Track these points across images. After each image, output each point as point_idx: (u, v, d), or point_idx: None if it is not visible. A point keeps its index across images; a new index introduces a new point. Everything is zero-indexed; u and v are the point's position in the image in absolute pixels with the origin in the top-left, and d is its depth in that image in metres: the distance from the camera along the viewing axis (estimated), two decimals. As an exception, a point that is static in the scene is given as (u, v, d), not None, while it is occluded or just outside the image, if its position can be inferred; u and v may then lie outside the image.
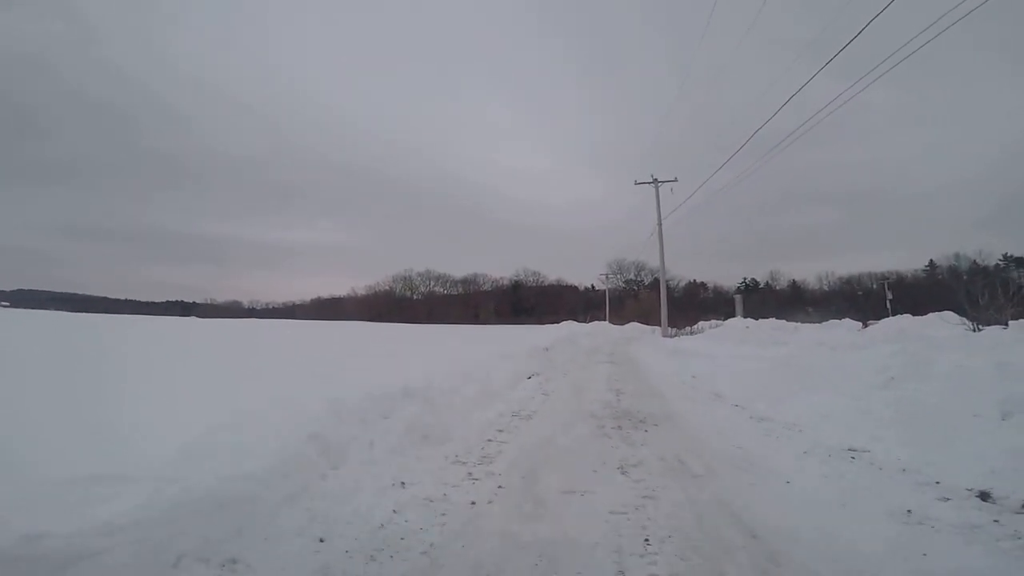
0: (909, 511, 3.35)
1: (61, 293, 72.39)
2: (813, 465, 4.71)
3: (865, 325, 22.47)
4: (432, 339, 16.50)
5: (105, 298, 78.60)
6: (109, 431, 3.36)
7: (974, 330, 11.30)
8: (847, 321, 23.35)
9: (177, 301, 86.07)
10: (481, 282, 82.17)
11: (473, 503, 3.65)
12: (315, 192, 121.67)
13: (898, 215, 77.49)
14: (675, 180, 24.62)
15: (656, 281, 73.46)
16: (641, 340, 24.50)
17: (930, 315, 18.64)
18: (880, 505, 3.50)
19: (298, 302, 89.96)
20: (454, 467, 4.31)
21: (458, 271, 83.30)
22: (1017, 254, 57.82)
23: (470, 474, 4.20)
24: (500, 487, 3.96)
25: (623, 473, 4.39)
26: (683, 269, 73.25)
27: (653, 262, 65.11)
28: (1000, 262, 59.53)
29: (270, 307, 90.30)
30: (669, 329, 23.88)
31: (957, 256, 58.98)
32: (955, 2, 8.41)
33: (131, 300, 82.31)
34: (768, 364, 10.65)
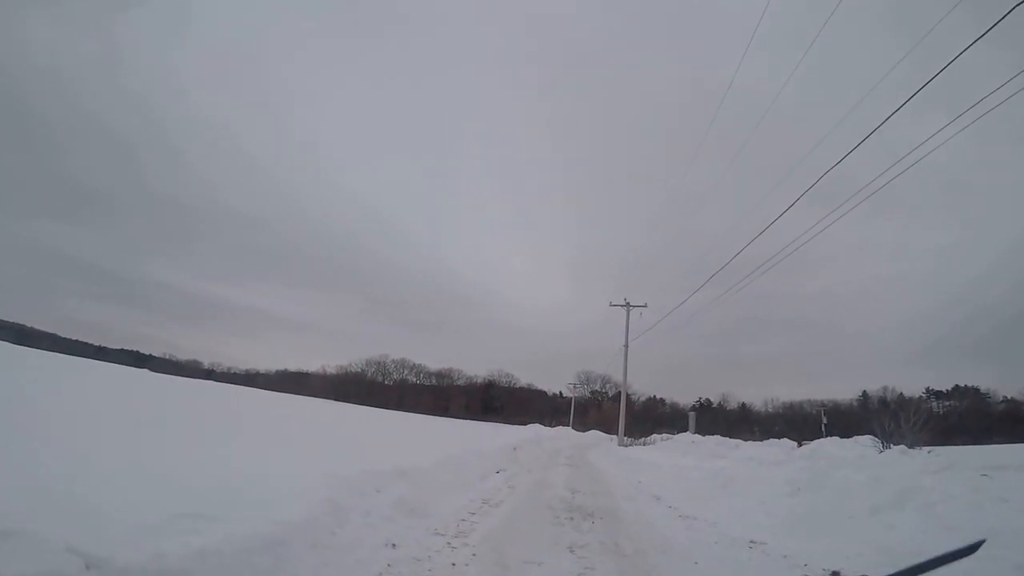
0: (777, 583, 4.23)
1: (9, 322, 61.27)
2: (719, 551, 5.56)
3: (799, 444, 23.61)
4: (408, 427, 16.84)
5: (54, 334, 68.56)
6: (169, 477, 4.09)
7: (880, 451, 12.42)
8: (784, 441, 24.52)
9: (132, 350, 75.93)
10: (455, 377, 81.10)
11: (453, 564, 4.36)
12: (295, 260, 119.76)
13: (839, 348, 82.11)
14: (644, 306, 26.72)
15: (619, 393, 75.10)
16: (599, 447, 24.88)
17: (852, 438, 19.99)
18: (758, 579, 4.37)
19: (261, 371, 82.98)
20: (436, 537, 5.01)
21: (434, 363, 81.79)
22: (937, 388, 61.82)
23: (449, 543, 4.90)
24: (474, 554, 4.67)
25: (571, 551, 5.14)
26: (644, 384, 74.45)
27: (617, 376, 66.34)
28: (923, 394, 63.31)
29: (231, 371, 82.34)
30: (625, 439, 24.45)
31: (885, 388, 62.62)
32: (910, 148, 9.01)
33: (82, 341, 71.05)
34: (704, 474, 11.50)
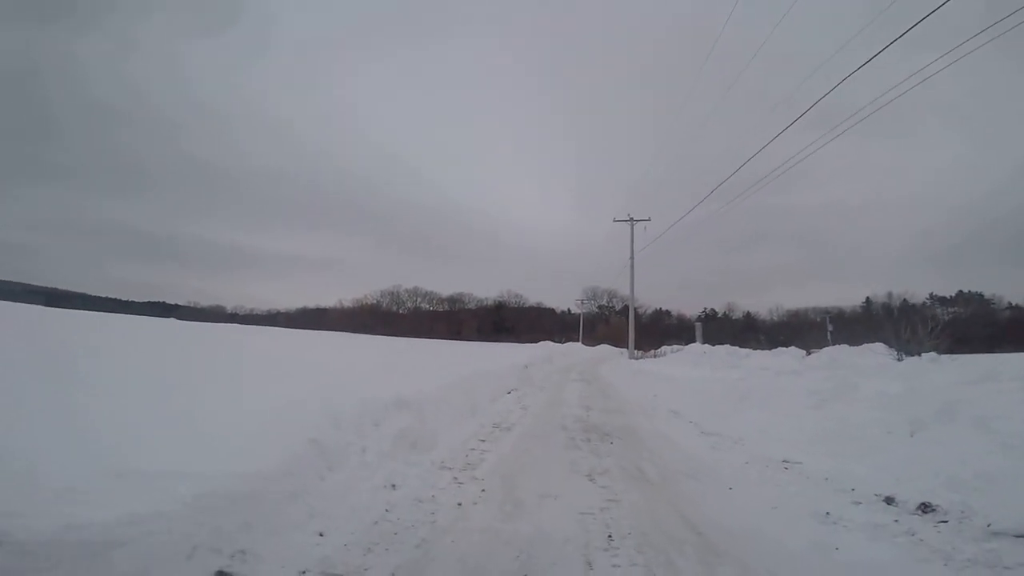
0: (828, 513, 3.65)
1: (38, 286, 65.47)
2: (752, 474, 5.03)
3: (808, 353, 23.27)
4: (419, 352, 16.60)
5: (84, 294, 71.40)
6: (124, 432, 3.47)
7: (897, 359, 11.89)
8: (793, 349, 24.11)
9: (159, 302, 79.02)
10: (466, 300, 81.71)
11: (459, 504, 3.83)
12: (312, 203, 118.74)
13: (841, 256, 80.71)
14: (648, 220, 25.68)
15: (626, 307, 75.23)
16: (610, 361, 24.84)
17: (863, 346, 19.58)
18: (805, 508, 3.80)
19: (282, 310, 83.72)
20: (441, 472, 4.50)
21: (445, 289, 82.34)
22: (940, 293, 61.10)
23: (456, 479, 4.38)
24: (483, 491, 4.15)
25: (590, 479, 4.63)
26: (650, 297, 74.23)
27: (624, 290, 66.18)
28: (927, 300, 62.61)
29: (254, 313, 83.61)
30: (635, 352, 24.31)
31: (890, 295, 61.73)
32: (908, 74, 9.34)
33: (111, 298, 73.72)
34: (720, 386, 11.04)
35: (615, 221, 26.72)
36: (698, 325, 48.24)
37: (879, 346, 18.46)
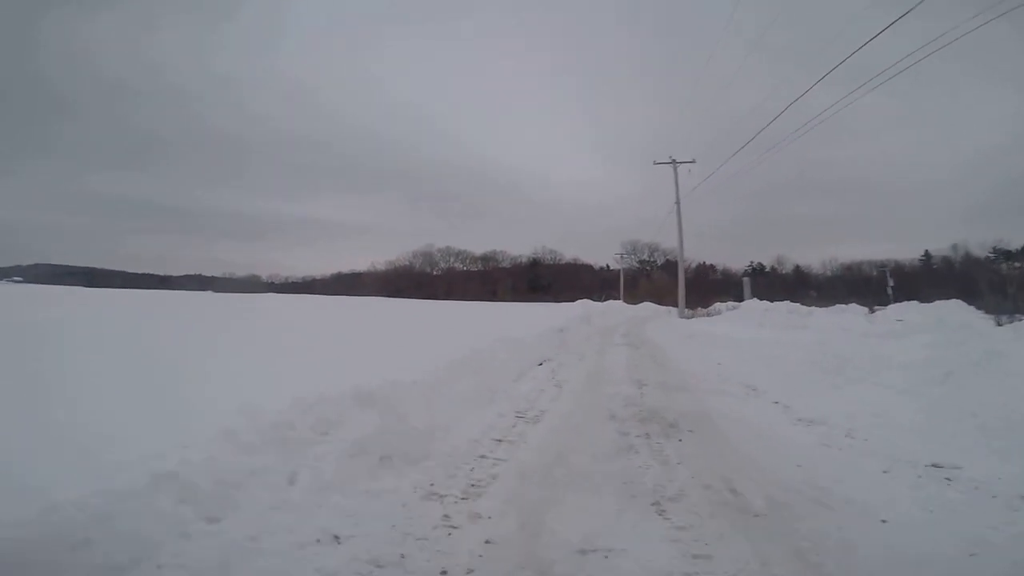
0: None
1: (77, 267, 69.28)
2: (903, 492, 3.22)
3: (872, 311, 20.74)
4: (443, 317, 15.19)
5: (123, 272, 74.69)
6: None
7: (999, 323, 9.53)
8: (853, 306, 21.65)
9: (196, 275, 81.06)
10: (500, 259, 79.50)
11: (444, 574, 2.23)
12: (340, 168, 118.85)
13: (892, 207, 73.99)
14: (693, 161, 22.98)
15: (668, 262, 71.18)
16: (656, 321, 22.76)
17: (937, 303, 16.93)
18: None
19: (318, 277, 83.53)
20: (424, 504, 2.87)
21: (478, 248, 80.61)
22: (1005, 247, 55.02)
23: (446, 516, 2.75)
24: (488, 542, 2.52)
25: (660, 513, 2.93)
26: (693, 251, 70.28)
27: (667, 243, 62.80)
28: (991, 254, 57.02)
29: (289, 281, 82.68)
30: (686, 310, 22.09)
31: (955, 247, 55.97)
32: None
33: (148, 274, 74.86)
34: (796, 351, 9.02)
35: (656, 164, 24.08)
36: (746, 280, 45.07)
37: (958, 304, 16.12)
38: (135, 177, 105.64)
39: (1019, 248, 55.89)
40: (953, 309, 16.67)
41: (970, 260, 56.48)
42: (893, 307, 17.60)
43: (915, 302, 18.02)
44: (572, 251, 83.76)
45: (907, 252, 61.43)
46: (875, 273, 58.87)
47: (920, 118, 76.25)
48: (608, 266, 76.07)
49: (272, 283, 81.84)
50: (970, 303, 14.43)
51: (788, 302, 22.53)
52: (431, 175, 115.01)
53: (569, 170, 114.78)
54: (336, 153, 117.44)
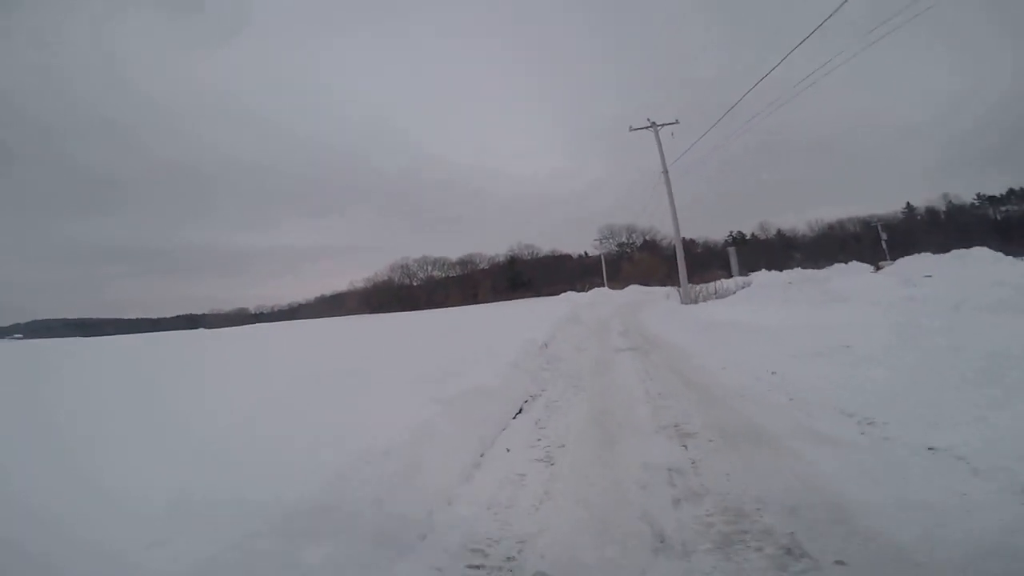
0: None
1: (70, 319, 68.58)
2: None
3: (877, 268, 18.64)
4: (384, 341, 12.34)
5: (116, 319, 74.23)
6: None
7: None
8: (855, 264, 19.53)
9: (186, 314, 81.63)
10: (478, 261, 77.71)
11: None
12: (308, 193, 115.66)
13: (865, 165, 73.48)
14: (675, 122, 19.65)
15: (647, 242, 69.52)
16: (652, 307, 20.04)
17: (956, 251, 14.82)
18: None
19: (303, 302, 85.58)
20: None
21: (454, 253, 79.36)
22: (989, 192, 54.65)
23: None
24: None
25: None
26: (670, 226, 68.14)
27: (644, 223, 61.05)
28: (975, 201, 56.31)
29: (276, 309, 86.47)
30: (691, 291, 19.19)
31: (945, 195, 55.18)
32: None
33: (141, 319, 78.26)
34: (873, 342, 6.32)
35: (632, 130, 20.50)
36: (731, 250, 42.98)
37: (984, 251, 13.94)
38: (102, 222, 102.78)
39: (1004, 192, 55.64)
40: (982, 257, 14.40)
41: (955, 208, 55.94)
42: (904, 261, 15.32)
43: (925, 254, 15.85)
44: (549, 244, 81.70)
45: (887, 207, 60.49)
46: (858, 230, 57.47)
47: (889, 71, 75.97)
48: (587, 253, 74.07)
49: (259, 314, 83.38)
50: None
51: (799, 270, 20.26)
52: (398, 190, 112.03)
53: (537, 165, 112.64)
54: (298, 177, 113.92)
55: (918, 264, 13.99)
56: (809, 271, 18.40)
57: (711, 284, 19.72)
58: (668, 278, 46.42)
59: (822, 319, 9.10)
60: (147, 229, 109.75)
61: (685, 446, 3.93)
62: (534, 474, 3.62)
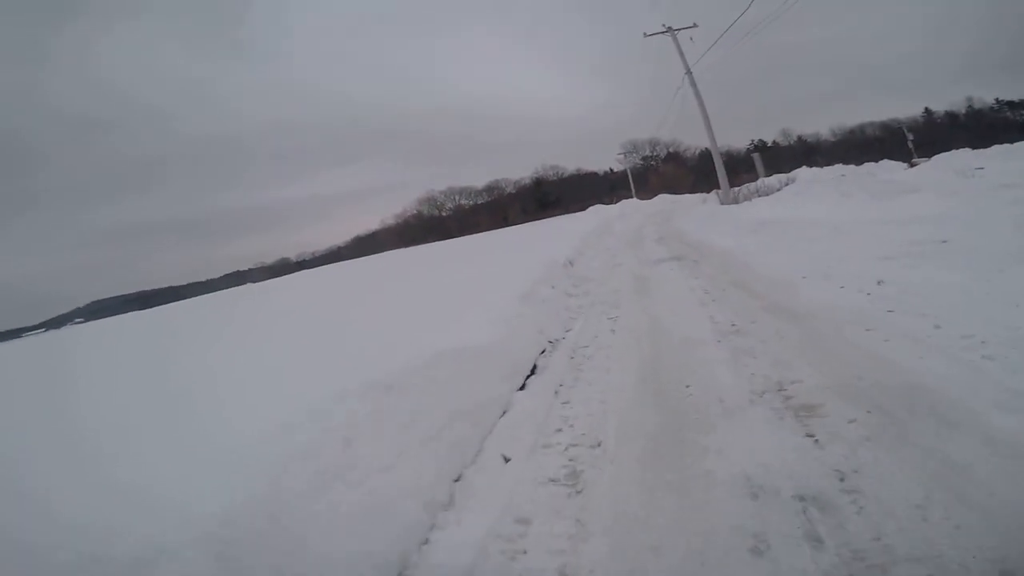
0: None
1: (129, 294, 72.08)
2: None
3: (911, 164, 16.76)
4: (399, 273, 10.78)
5: (169, 287, 77.79)
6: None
7: None
8: (886, 163, 17.60)
9: (233, 272, 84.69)
10: (504, 186, 74.68)
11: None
12: (335, 143, 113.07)
13: (882, 71, 65.88)
14: (694, 26, 16.79)
15: (672, 155, 64.69)
16: (687, 212, 17.53)
17: (999, 146, 13.48)
18: None
19: (341, 244, 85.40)
20: None
21: (480, 181, 76.32)
22: (1008, 97, 49.13)
23: None
24: None
25: None
26: (694, 137, 63.67)
27: (666, 136, 57.38)
28: (994, 105, 52.39)
29: (316, 255, 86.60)
30: (730, 191, 16.57)
31: (970, 99, 51.41)
32: None
33: (194, 283, 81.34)
34: (991, 231, 4.29)
35: (646, 36, 17.63)
36: (756, 156, 39.57)
37: None
38: (144, 202, 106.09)
39: (1021, 98, 50.33)
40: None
41: (975, 112, 51.72)
42: (944, 156, 12.75)
43: (964, 150, 14.00)
44: (575, 163, 77.23)
45: (906, 111, 55.32)
46: (879, 133, 52.80)
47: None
48: (612, 169, 69.98)
49: (301, 261, 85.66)
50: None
51: (839, 165, 17.81)
52: (422, 128, 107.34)
53: (556, 86, 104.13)
54: (326, 128, 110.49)
55: (960, 159, 11.81)
56: (850, 166, 15.76)
57: (751, 184, 16.96)
58: (696, 187, 42.96)
59: (894, 212, 6.97)
60: (187, 200, 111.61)
61: (814, 437, 2.18)
62: (546, 517, 1.97)
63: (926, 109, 55.08)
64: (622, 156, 64.74)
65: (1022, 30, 61.46)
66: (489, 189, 75.05)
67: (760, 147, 61.45)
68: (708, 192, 26.33)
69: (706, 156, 62.62)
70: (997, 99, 52.40)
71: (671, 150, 65.13)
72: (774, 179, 16.22)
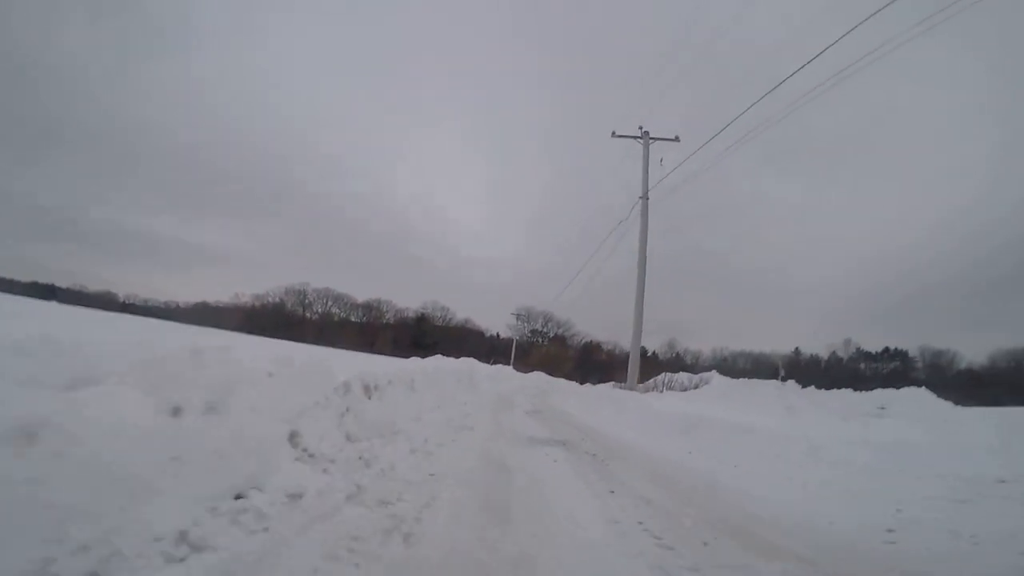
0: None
1: None
2: None
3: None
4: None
5: None
6: None
7: None
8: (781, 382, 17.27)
9: (44, 283, 64.17)
10: (385, 309, 69.37)
11: None
12: (213, 186, 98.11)
13: (769, 305, 77.48)
14: (675, 139, 14.27)
15: (560, 337, 66.63)
16: (568, 394, 14.91)
17: (906, 390, 13.54)
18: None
19: (181, 303, 70.41)
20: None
21: (361, 295, 68.74)
22: (867, 349, 60.83)
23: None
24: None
25: None
26: (585, 324, 66.17)
27: (559, 316, 59.03)
28: (854, 353, 61.86)
29: (148, 304, 69.28)
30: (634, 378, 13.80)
31: (847, 342, 59.80)
32: None
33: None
34: None
35: (615, 136, 15.14)
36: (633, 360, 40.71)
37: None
38: None
39: (880, 350, 60.88)
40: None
41: (835, 359, 61.32)
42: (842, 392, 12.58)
43: (847, 390, 13.93)
44: (466, 312, 74.90)
45: (779, 346, 63.64)
46: (749, 366, 59.75)
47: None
48: (499, 335, 69.24)
49: (128, 303, 67.68)
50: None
51: (747, 379, 17.01)
52: (316, 211, 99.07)
53: (475, 219, 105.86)
54: (211, 166, 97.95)
55: (869, 398, 11.41)
56: (747, 380, 14.72)
57: (658, 376, 15.10)
58: (572, 375, 42.83)
59: (879, 435, 4.80)
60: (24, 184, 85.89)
61: None
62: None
63: (796, 349, 62.09)
64: (514, 318, 64.34)
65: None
66: (367, 307, 69.46)
67: (642, 354, 65.21)
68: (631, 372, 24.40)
69: (587, 349, 65.05)
70: (857, 348, 57.51)
71: (560, 332, 66.51)
72: (683, 376, 14.38)
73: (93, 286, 67.94)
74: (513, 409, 8.23)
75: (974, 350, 49.11)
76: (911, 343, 53.78)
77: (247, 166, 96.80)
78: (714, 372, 14.38)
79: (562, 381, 32.08)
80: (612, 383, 16.22)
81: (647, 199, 13.45)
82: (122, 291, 71.89)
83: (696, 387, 11.27)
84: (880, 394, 12.06)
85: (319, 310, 68.25)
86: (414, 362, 8.33)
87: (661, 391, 11.08)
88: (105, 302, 62.71)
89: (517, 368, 43.33)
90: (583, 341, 65.81)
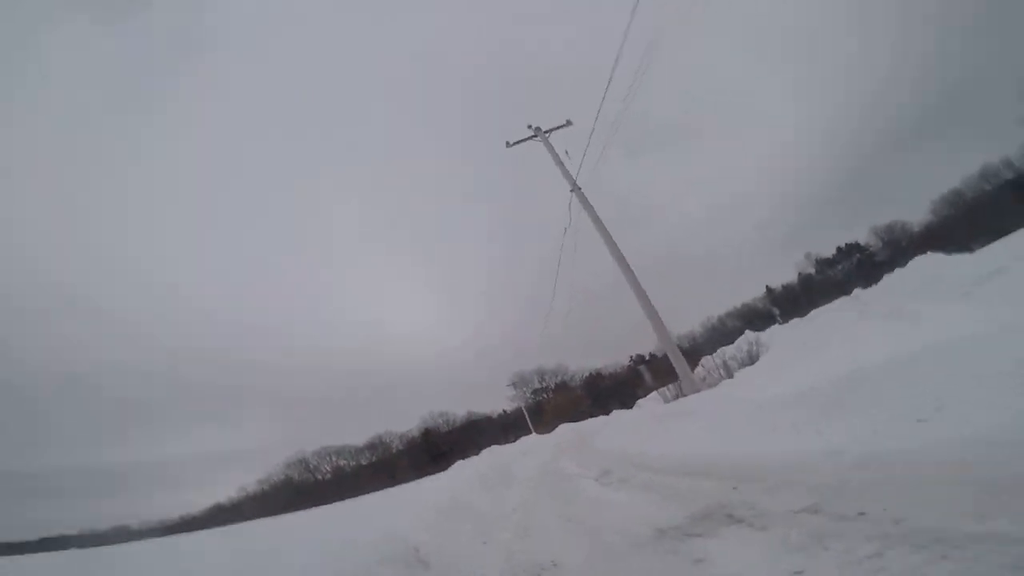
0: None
1: None
2: None
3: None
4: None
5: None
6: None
7: None
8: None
9: (53, 537, 57.03)
10: (389, 440, 65.41)
11: None
12: (184, 398, 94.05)
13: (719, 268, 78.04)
14: (568, 124, 13.38)
15: (560, 385, 63.68)
16: (612, 425, 12.54)
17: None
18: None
19: (196, 513, 64.98)
20: None
21: (360, 438, 66.26)
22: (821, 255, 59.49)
23: None
24: None
25: None
26: (575, 364, 64.15)
27: (549, 365, 57.40)
28: (813, 269, 60.65)
29: (164, 523, 62.63)
30: (669, 389, 11.61)
31: (808, 255, 58.26)
32: None
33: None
34: None
35: (510, 145, 13.90)
36: (642, 367, 39.71)
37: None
38: None
39: (834, 253, 59.89)
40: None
41: (804, 278, 60.47)
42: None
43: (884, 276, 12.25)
44: (465, 407, 71.47)
45: (754, 291, 62.30)
46: (737, 324, 58.49)
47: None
48: (505, 410, 66.20)
49: (143, 530, 60.85)
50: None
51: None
52: (287, 384, 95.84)
53: (435, 330, 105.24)
54: (176, 380, 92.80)
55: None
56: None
57: (708, 357, 12.63)
58: (592, 410, 40.69)
59: None
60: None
61: None
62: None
63: (767, 288, 59.40)
64: (512, 391, 61.50)
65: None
66: (372, 446, 65.69)
67: (642, 360, 62.54)
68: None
69: (591, 380, 62.35)
70: (816, 259, 57.52)
71: (559, 379, 64.14)
72: (728, 350, 11.89)
73: (102, 525, 61.15)
74: (577, 483, 5.83)
75: (914, 210, 49.98)
76: (858, 234, 54.66)
77: (200, 374, 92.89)
78: (747, 331, 12.55)
79: (587, 421, 29.33)
80: (653, 394, 13.90)
81: (579, 189, 12.18)
82: (133, 521, 65.04)
83: (750, 354, 9.17)
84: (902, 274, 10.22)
85: (328, 467, 63.44)
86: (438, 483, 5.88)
87: (728, 376, 8.88)
88: (123, 536, 55.93)
89: (539, 432, 40.07)
90: (584, 376, 63.67)
